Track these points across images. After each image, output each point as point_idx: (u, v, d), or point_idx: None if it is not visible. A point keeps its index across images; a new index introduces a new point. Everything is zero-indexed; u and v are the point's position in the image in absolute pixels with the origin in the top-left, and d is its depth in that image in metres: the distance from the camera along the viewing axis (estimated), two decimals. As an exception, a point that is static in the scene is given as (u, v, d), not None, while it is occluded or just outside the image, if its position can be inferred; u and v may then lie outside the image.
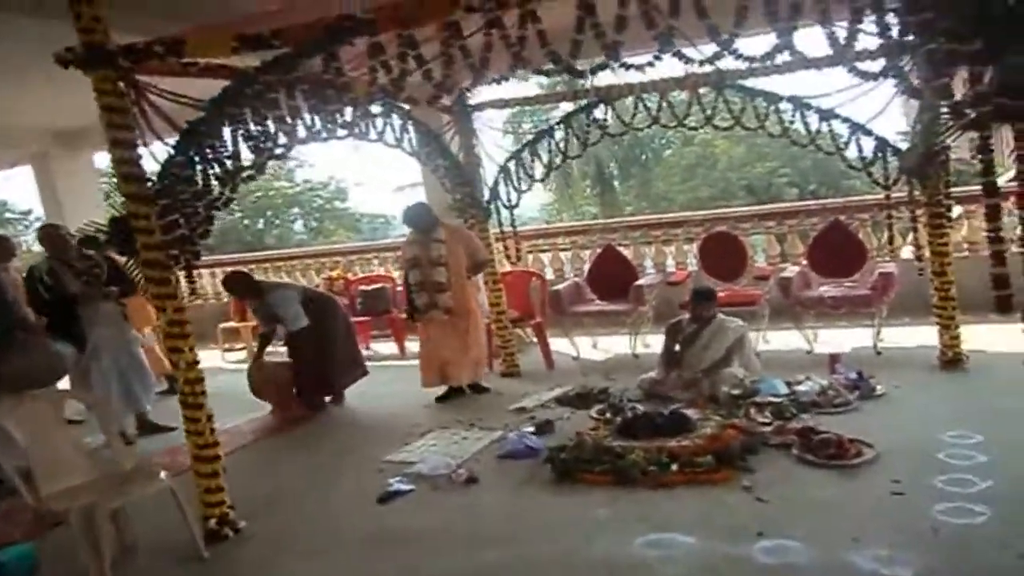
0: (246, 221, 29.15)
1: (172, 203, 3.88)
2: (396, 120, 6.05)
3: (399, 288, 8.31)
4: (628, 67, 4.28)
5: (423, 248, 6.42)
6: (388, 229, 27.57)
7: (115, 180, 4.26)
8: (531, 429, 5.27)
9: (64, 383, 6.73)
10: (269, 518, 4.34)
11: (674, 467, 4.25)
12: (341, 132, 5.27)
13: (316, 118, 4.59)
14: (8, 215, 26.15)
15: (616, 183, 30.01)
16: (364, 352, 8.85)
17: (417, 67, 3.77)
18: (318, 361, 6.61)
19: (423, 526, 4.02)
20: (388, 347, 9.06)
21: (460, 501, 4.30)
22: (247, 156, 4.06)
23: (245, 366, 9.05)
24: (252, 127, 3.98)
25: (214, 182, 3.98)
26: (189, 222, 3.95)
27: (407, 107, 6.08)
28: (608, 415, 5.31)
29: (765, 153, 25.24)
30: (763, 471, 4.18)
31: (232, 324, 9.97)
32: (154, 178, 3.92)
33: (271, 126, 4.05)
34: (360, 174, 22.29)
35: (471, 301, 6.56)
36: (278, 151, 4.18)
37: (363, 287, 9.39)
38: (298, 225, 30.03)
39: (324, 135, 5.06)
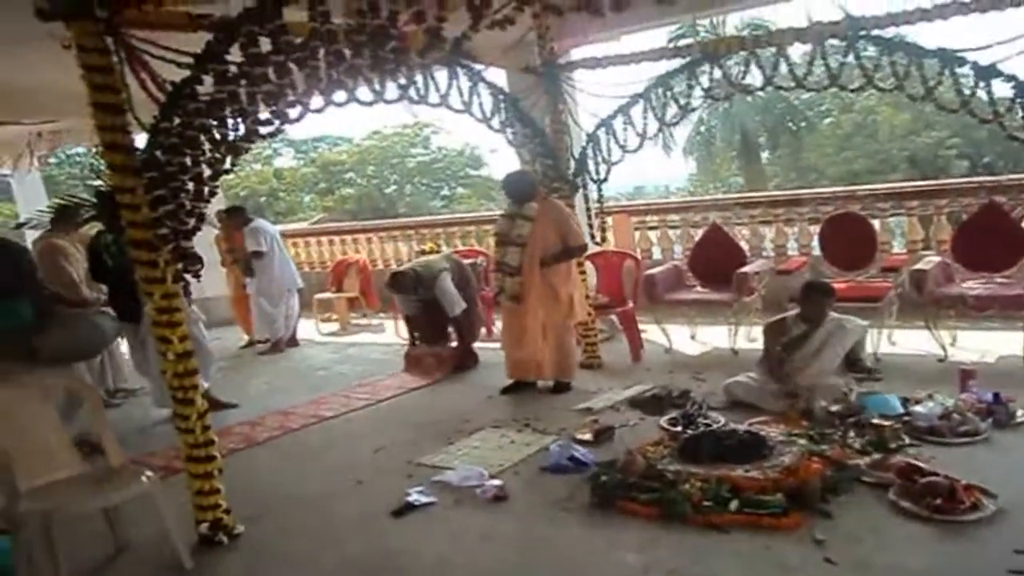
0: (388, 189, 29.64)
1: (160, 176, 3.47)
2: (464, 81, 5.44)
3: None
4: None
5: (510, 223, 5.79)
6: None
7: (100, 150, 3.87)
8: (587, 436, 4.62)
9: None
10: (271, 523, 3.94)
11: (734, 504, 3.49)
12: (391, 95, 4.75)
13: (350, 79, 4.04)
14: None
15: (764, 153, 28.24)
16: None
17: (407, 7, 3.16)
18: (467, 320, 7.03)
19: (426, 551, 3.49)
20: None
21: (478, 523, 3.73)
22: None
23: (338, 339, 9.02)
24: (242, 91, 3.47)
25: (206, 152, 3.53)
26: (177, 197, 3.52)
27: (477, 66, 5.48)
28: (678, 426, 4.58)
29: (934, 121, 22.83)
30: (845, 519, 3.35)
31: (328, 295, 9.82)
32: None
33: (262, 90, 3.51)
34: (494, 140, 21.76)
35: (547, 289, 5.74)
36: (285, 118, 3.67)
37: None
38: (430, 193, 30.17)
39: (371, 98, 4.58)
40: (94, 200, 6.27)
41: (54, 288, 5.60)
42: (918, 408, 4.37)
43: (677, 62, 5.84)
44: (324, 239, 11.54)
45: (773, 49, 5.46)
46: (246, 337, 9.02)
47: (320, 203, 29.13)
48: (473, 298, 7.25)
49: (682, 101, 5.88)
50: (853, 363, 4.96)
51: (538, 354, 5.78)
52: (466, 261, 8.53)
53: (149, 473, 3.61)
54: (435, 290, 6.85)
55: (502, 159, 27.40)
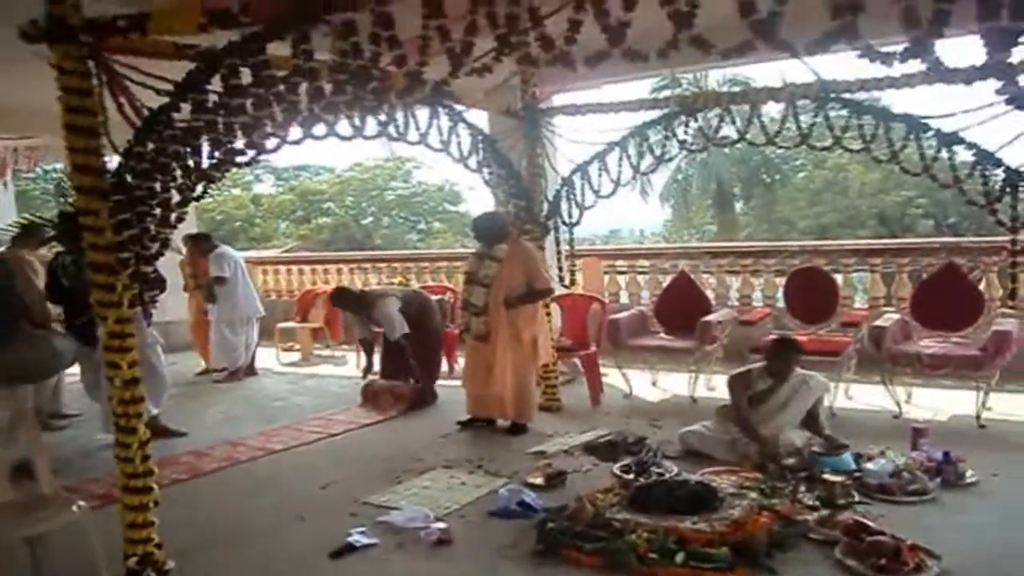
0: (364, 220, 29.59)
1: (127, 200, 3.42)
2: (444, 121, 5.47)
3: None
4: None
5: (478, 263, 5.82)
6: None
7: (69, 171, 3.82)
8: (539, 480, 4.56)
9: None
10: (203, 559, 3.81)
11: (680, 557, 3.43)
12: (370, 131, 4.76)
13: (330, 114, 4.01)
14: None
15: (738, 204, 28.62)
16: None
17: (389, 50, 3.16)
18: (426, 356, 6.96)
19: (364, 595, 3.40)
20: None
21: (418, 568, 3.64)
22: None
23: (298, 370, 8.89)
24: (220, 120, 3.45)
25: (179, 180, 3.49)
26: (143, 221, 3.48)
27: (459, 107, 5.51)
28: (631, 474, 4.53)
29: (903, 181, 23.26)
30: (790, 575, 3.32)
31: (292, 324, 9.71)
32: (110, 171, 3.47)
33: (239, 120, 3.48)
34: (473, 179, 22.03)
35: (512, 330, 5.70)
36: (262, 149, 3.64)
37: (425, 297, 8.88)
38: (407, 226, 30.17)
39: (350, 132, 4.58)
40: (56, 220, 6.19)
41: (28, 302, 5.45)
42: (869, 465, 4.36)
43: (656, 113, 5.94)
44: (294, 268, 11.45)
45: (748, 106, 5.56)
46: (203, 364, 8.86)
47: (296, 231, 29.01)
48: (435, 333, 7.20)
49: (658, 151, 5.96)
50: (811, 420, 4.94)
51: (502, 392, 5.73)
52: (434, 297, 8.52)
53: (81, 503, 3.48)
54: (376, 311, 6.86)
55: (480, 197, 27.52)
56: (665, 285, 7.44)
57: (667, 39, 2.87)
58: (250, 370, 8.59)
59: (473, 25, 2.97)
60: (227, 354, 8.38)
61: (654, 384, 7.06)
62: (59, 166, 18.57)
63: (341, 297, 7.28)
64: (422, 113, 5.25)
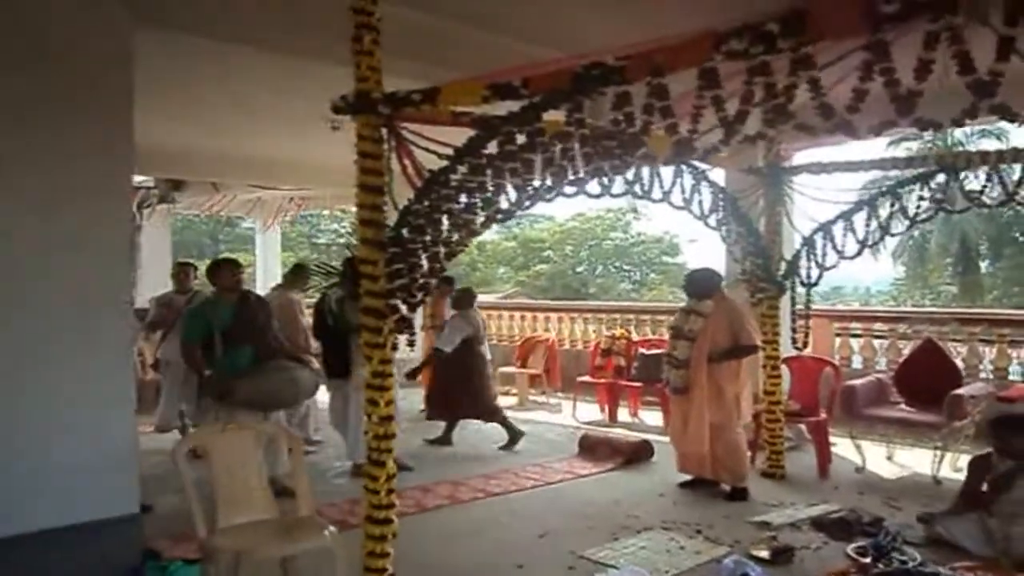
0: (580, 268, 30.02)
1: (401, 252, 3.72)
2: (687, 179, 5.46)
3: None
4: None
5: (684, 318, 5.82)
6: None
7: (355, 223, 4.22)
8: (764, 554, 4.33)
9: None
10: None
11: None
12: (618, 189, 4.84)
13: (575, 172, 4.14)
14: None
15: (984, 263, 26.01)
16: (630, 419, 8.48)
17: (662, 119, 3.20)
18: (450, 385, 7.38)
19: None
20: (658, 417, 8.38)
21: (637, 631, 3.56)
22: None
23: (515, 414, 9.07)
24: (489, 182, 3.68)
25: (445, 234, 3.76)
26: (413, 271, 3.76)
27: (702, 166, 5.50)
28: (868, 558, 4.18)
29: None
30: None
31: (512, 369, 9.98)
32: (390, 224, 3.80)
33: (509, 181, 3.71)
34: (695, 230, 21.73)
35: (713, 386, 5.58)
36: (513, 207, 3.84)
37: (643, 350, 8.85)
38: (626, 276, 30.17)
39: (599, 192, 4.68)
40: (338, 267, 7.13)
41: (283, 337, 6.06)
42: None
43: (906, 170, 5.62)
44: (516, 313, 11.79)
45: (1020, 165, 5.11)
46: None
47: (514, 277, 29.93)
48: (473, 370, 7.41)
49: (911, 211, 5.60)
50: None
51: (701, 448, 5.62)
52: (651, 352, 8.49)
53: (332, 528, 3.74)
54: (458, 318, 7.43)
55: (700, 250, 27.02)
56: (908, 352, 6.89)
57: (964, 107, 2.68)
58: (471, 411, 8.89)
59: (750, 94, 2.93)
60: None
61: (890, 459, 6.52)
62: (317, 212, 20.57)
63: (468, 294, 7.83)
64: (666, 171, 5.26)
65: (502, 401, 9.71)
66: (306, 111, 7.14)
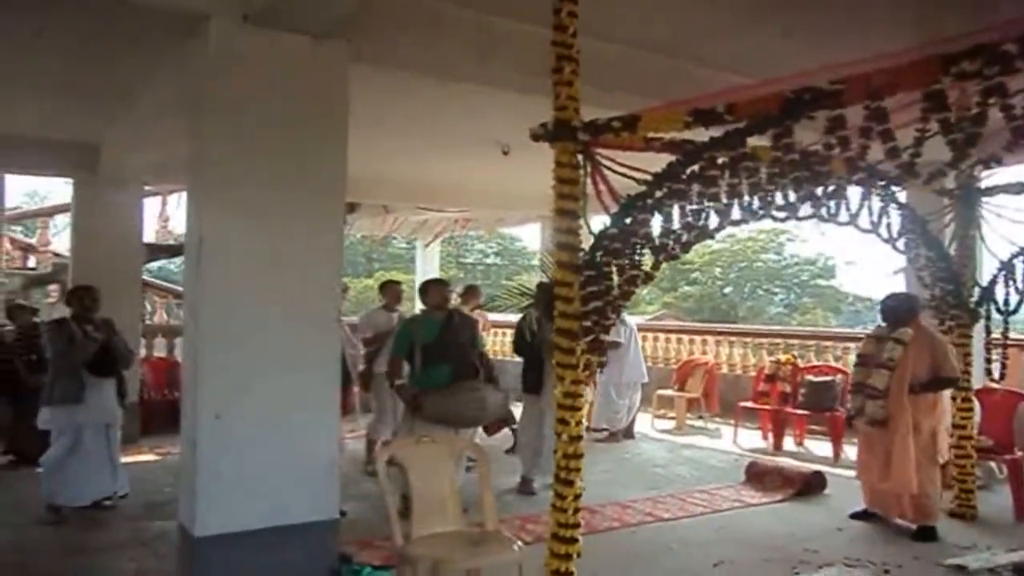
0: (727, 289, 29.36)
1: (596, 275, 3.80)
2: (875, 201, 5.26)
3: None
4: None
5: (878, 345, 5.56)
6: (872, 314, 25.27)
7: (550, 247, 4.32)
8: (962, 600, 4.09)
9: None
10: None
11: None
12: (804, 211, 4.73)
13: (769, 196, 4.09)
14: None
15: None
16: (795, 448, 8.24)
17: (881, 143, 3.13)
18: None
19: None
20: (825, 448, 8.07)
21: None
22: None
23: (674, 438, 8.97)
24: (690, 205, 3.71)
25: (641, 257, 3.81)
26: (607, 295, 3.83)
27: (893, 188, 5.28)
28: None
29: None
30: None
31: (670, 392, 9.88)
32: (585, 248, 3.88)
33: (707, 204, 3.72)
34: (852, 252, 20.77)
35: (914, 419, 5.31)
36: (711, 229, 3.85)
37: (810, 377, 8.57)
38: (777, 299, 29.22)
39: (786, 214, 4.59)
40: (532, 289, 7.63)
41: (487, 358, 6.27)
42: None
43: None
44: (672, 336, 11.65)
45: None
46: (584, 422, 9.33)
47: (661, 298, 29.61)
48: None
49: None
50: None
51: (909, 488, 5.29)
52: (819, 379, 8.25)
53: (520, 543, 3.83)
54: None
55: (858, 272, 25.82)
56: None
57: None
58: (628, 433, 8.88)
59: (983, 116, 2.83)
60: (610, 416, 8.75)
61: (1099, 505, 5.98)
62: (473, 233, 21.19)
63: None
64: (853, 193, 5.07)
65: (659, 424, 9.68)
66: (477, 136, 7.41)
